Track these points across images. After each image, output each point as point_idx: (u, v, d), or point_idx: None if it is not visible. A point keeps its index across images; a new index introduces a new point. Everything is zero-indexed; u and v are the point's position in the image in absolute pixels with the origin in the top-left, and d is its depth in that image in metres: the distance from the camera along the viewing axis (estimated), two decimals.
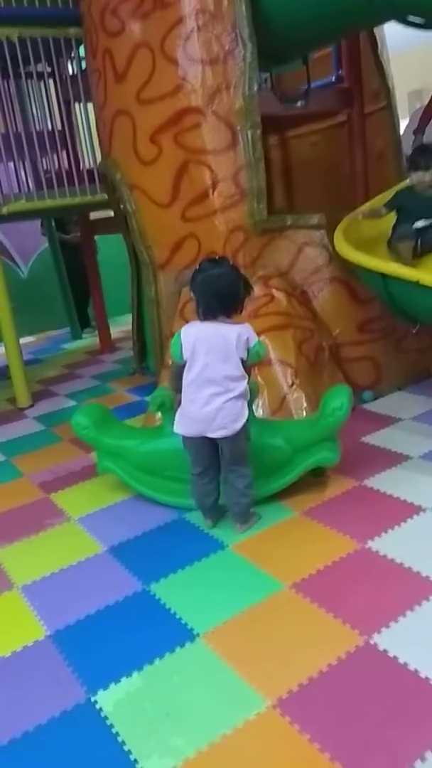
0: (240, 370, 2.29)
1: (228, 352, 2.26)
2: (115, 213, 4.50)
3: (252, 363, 2.36)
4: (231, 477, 2.46)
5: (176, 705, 1.71)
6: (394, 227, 3.27)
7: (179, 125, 3.41)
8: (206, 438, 2.36)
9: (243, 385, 2.30)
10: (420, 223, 3.14)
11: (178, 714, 1.68)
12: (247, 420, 2.35)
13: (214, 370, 2.26)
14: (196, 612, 2.06)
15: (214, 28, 3.28)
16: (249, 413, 2.40)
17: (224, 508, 2.60)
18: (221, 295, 2.28)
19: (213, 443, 2.40)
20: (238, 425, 2.30)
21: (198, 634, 1.95)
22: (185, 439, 2.42)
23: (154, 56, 3.40)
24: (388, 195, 3.60)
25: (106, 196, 4.42)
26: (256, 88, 3.36)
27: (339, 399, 2.59)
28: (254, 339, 2.32)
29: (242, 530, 2.49)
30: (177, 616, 2.05)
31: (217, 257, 2.49)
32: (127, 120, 3.60)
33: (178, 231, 3.60)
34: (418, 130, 3.73)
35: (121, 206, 3.86)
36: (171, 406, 2.60)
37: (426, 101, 3.90)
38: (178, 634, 1.97)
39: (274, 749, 1.54)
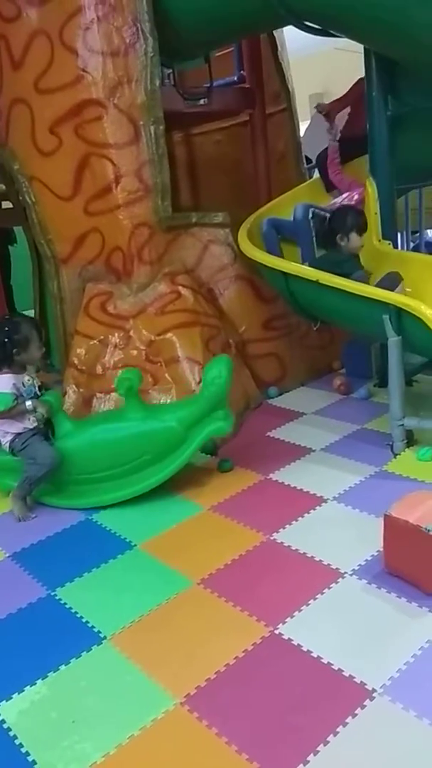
0: None
1: None
2: (14, 204, 4.33)
3: None
4: None
5: (83, 711, 1.67)
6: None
7: (80, 117, 3.33)
8: None
9: None
10: (359, 274, 3.06)
11: (85, 720, 1.64)
12: (13, 440, 2.70)
13: None
14: (103, 615, 2.02)
15: (115, 20, 3.23)
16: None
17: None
18: None
19: None
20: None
21: (105, 637, 1.92)
22: None
23: (52, 45, 3.30)
24: (290, 196, 3.69)
25: (3, 187, 4.24)
26: (158, 82, 3.34)
27: (217, 368, 2.68)
28: None
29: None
30: (83, 620, 2.01)
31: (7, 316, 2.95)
32: (24, 109, 3.47)
33: (81, 225, 3.52)
34: (330, 119, 3.69)
35: (20, 198, 3.72)
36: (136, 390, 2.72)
37: (326, 101, 3.98)
38: (84, 638, 1.93)
39: (181, 746, 1.54)
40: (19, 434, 2.70)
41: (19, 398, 2.67)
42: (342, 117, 3.71)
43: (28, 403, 2.66)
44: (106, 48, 3.25)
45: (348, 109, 3.69)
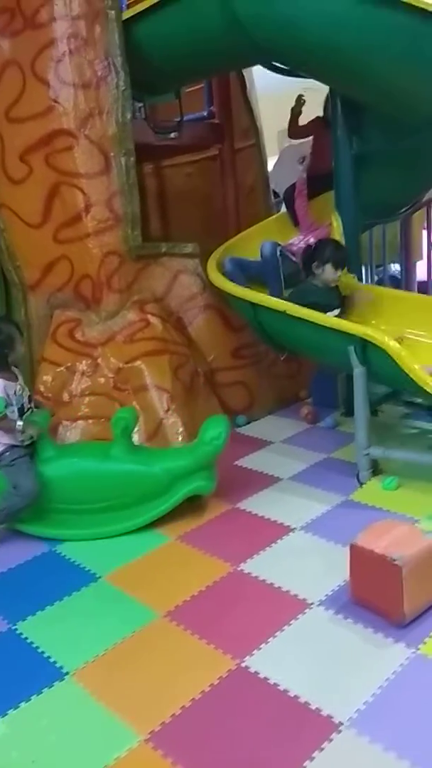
0: None
1: None
2: None
3: None
4: None
5: (44, 750, 1.62)
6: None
7: (50, 146, 3.35)
8: None
9: None
10: (333, 313, 3.09)
11: (46, 759, 1.59)
12: (3, 452, 2.57)
13: None
14: (66, 649, 1.97)
15: (87, 54, 3.28)
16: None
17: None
18: None
19: None
20: None
21: (68, 673, 1.87)
22: None
23: (24, 75, 3.33)
24: (259, 229, 3.76)
25: None
26: (129, 115, 3.39)
27: (217, 428, 2.65)
28: None
29: None
30: (45, 656, 1.95)
31: None
32: None
33: (50, 252, 3.52)
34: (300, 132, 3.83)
35: None
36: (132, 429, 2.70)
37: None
38: (46, 674, 1.87)
39: None
40: (12, 447, 2.60)
41: (8, 407, 2.57)
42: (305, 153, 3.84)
43: (19, 423, 2.58)
44: (78, 80, 3.30)
45: (311, 149, 3.82)
